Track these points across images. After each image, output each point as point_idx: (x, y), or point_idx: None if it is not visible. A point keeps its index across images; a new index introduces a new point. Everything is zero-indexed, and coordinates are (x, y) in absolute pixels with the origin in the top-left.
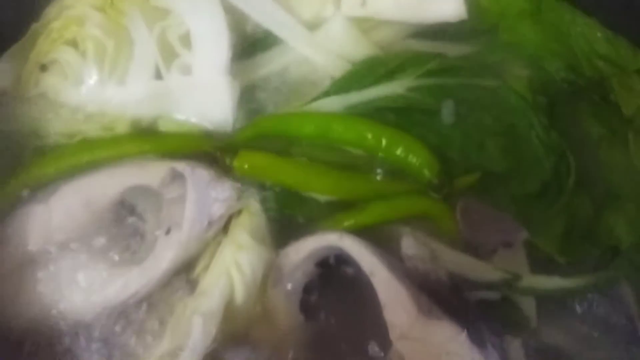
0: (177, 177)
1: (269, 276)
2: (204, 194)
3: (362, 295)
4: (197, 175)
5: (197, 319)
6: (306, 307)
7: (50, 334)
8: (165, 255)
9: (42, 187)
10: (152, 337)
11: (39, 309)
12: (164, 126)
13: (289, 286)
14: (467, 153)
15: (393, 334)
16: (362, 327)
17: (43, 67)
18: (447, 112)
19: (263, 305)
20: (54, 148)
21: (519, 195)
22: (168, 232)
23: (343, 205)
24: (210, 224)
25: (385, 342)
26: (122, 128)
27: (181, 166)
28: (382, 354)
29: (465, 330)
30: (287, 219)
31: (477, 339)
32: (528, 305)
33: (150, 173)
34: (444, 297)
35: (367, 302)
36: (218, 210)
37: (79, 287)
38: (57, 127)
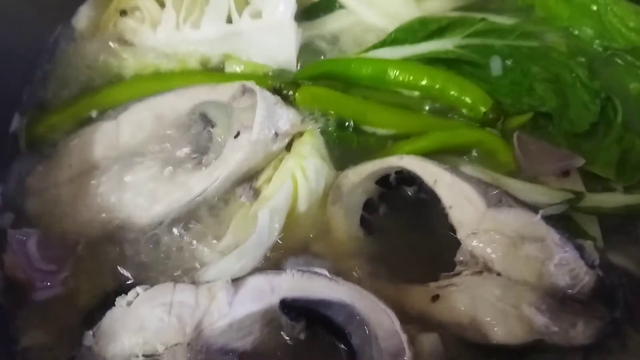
0: (247, 91)
1: (329, 194)
2: (272, 108)
3: (423, 211)
4: (265, 93)
5: (263, 213)
6: (367, 224)
7: (109, 238)
8: (233, 156)
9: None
10: (214, 237)
11: (99, 215)
12: (231, 65)
13: (349, 204)
14: (517, 96)
15: (461, 233)
16: (424, 239)
17: (123, 12)
18: (494, 66)
19: (323, 221)
20: (126, 78)
21: (570, 134)
22: (237, 135)
23: (399, 139)
24: (276, 135)
25: (450, 247)
26: (192, 65)
27: (251, 83)
28: (448, 257)
29: (540, 213)
30: (345, 148)
31: (552, 223)
32: (593, 229)
33: (220, 91)
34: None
35: (428, 216)
36: (284, 125)
37: (143, 192)
38: (130, 64)
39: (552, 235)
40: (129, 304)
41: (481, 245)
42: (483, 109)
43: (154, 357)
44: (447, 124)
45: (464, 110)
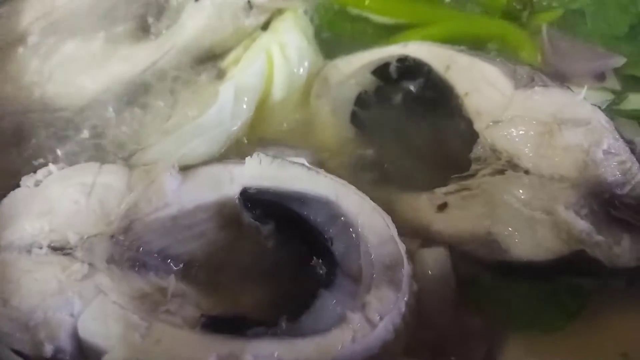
0: None
1: (313, 86)
2: None
3: (428, 105)
4: None
5: (225, 86)
6: (358, 121)
7: (29, 118)
8: (192, 22)
9: None
10: (163, 121)
11: (21, 91)
12: None
13: (337, 97)
14: None
15: (480, 124)
16: (429, 137)
17: None
18: None
19: (305, 117)
20: None
21: (607, 35)
22: None
23: (404, 29)
24: (250, 6)
25: (462, 145)
26: None
27: None
28: (460, 158)
29: (583, 90)
30: (336, 36)
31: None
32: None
33: None
34: None
35: (434, 111)
36: None
37: (78, 65)
38: None
39: (599, 116)
40: (38, 183)
41: (506, 135)
42: None
43: (64, 250)
44: (462, 15)
45: (482, 2)
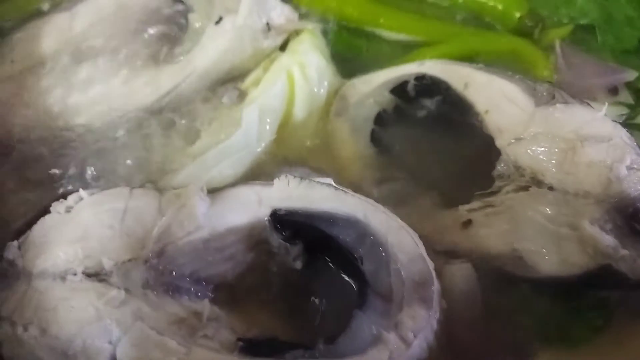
0: None
1: (332, 105)
2: None
3: (448, 123)
4: None
5: (249, 109)
6: (378, 140)
7: (53, 143)
8: (213, 45)
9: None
10: (188, 143)
11: (42, 116)
12: None
13: (357, 116)
14: (554, 8)
15: (502, 141)
16: (450, 155)
17: None
18: None
19: (326, 135)
20: None
21: (617, 49)
22: (219, 21)
23: (418, 47)
24: (268, 28)
25: (485, 162)
26: None
27: None
28: (483, 174)
29: (604, 107)
30: (352, 55)
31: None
32: None
33: None
34: None
35: (455, 129)
36: (277, 17)
37: (99, 90)
38: None
39: (621, 132)
40: (69, 209)
41: (529, 152)
42: (517, 14)
43: (99, 276)
44: (475, 32)
45: (495, 20)
